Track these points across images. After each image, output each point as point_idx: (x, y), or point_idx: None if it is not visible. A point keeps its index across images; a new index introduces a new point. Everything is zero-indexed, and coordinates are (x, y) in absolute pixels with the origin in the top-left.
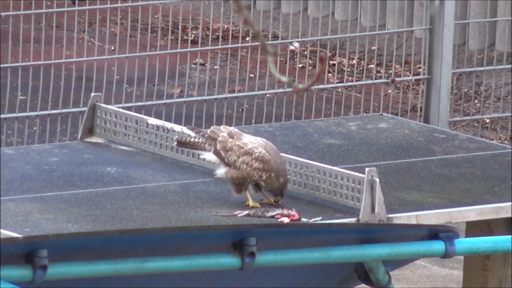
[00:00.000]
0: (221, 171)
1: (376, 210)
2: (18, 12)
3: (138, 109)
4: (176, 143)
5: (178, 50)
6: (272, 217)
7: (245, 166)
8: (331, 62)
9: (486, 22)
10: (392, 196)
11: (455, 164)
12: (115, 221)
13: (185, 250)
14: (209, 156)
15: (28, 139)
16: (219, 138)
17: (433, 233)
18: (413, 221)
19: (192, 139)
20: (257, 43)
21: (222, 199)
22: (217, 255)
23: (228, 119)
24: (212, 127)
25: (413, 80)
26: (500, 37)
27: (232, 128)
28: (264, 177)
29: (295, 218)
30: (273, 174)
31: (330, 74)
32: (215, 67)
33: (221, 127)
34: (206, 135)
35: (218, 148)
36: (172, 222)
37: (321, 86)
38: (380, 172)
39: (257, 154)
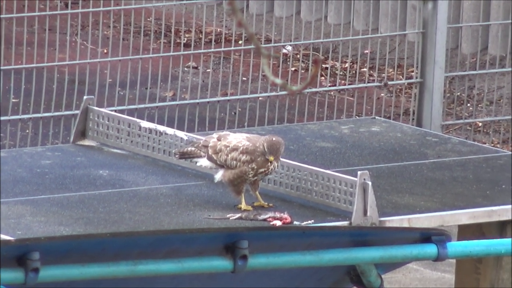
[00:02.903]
0: (218, 175)
1: (368, 213)
2: (11, 15)
3: (130, 112)
4: (177, 156)
5: (171, 53)
6: (265, 220)
7: (235, 162)
8: (323, 65)
9: (479, 26)
10: (384, 199)
11: (447, 167)
12: (107, 224)
13: (177, 253)
14: (205, 162)
15: (21, 142)
16: (210, 144)
17: (425, 236)
18: (406, 224)
19: (189, 149)
20: (250, 47)
21: (214, 202)
22: (210, 258)
23: (220, 122)
24: (204, 137)
25: (405, 83)
26: (493, 41)
27: (222, 132)
28: (255, 167)
29: (287, 221)
30: (258, 159)
31: (323, 78)
32: (208, 70)
33: (213, 134)
34: (200, 145)
35: (210, 153)
36: (164, 225)
37: (314, 90)
38: (373, 175)
39: (241, 148)
